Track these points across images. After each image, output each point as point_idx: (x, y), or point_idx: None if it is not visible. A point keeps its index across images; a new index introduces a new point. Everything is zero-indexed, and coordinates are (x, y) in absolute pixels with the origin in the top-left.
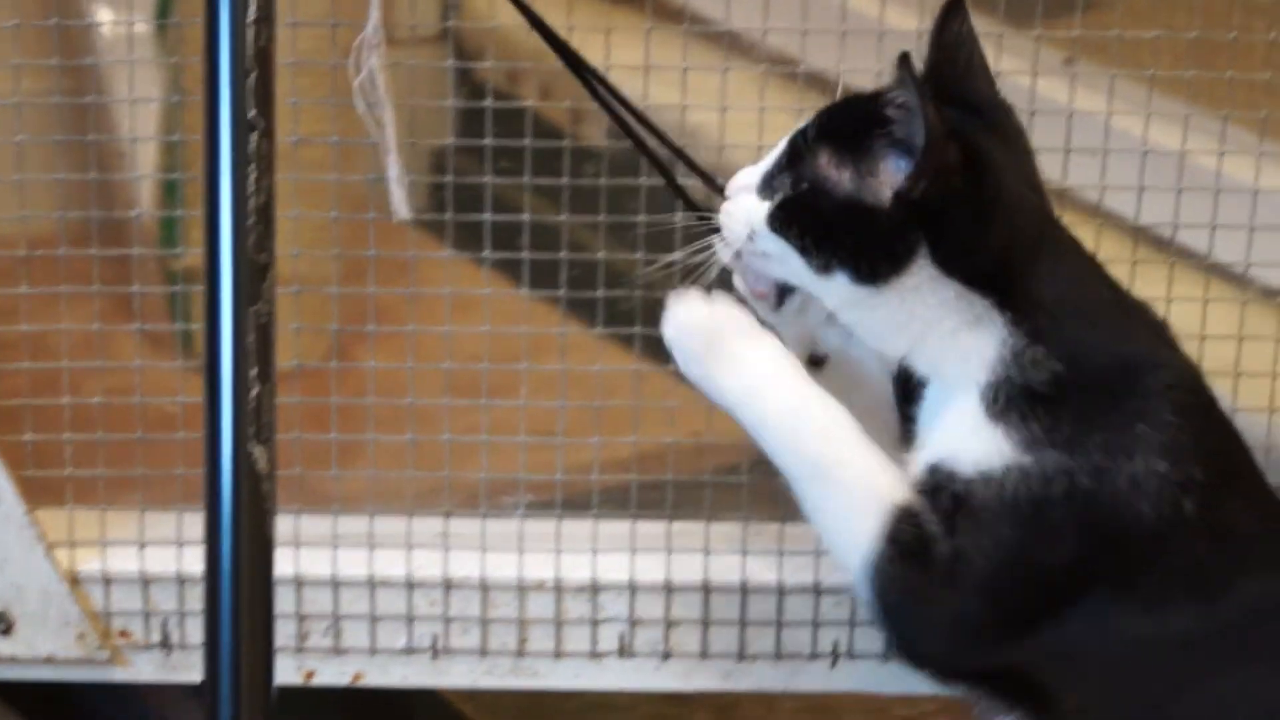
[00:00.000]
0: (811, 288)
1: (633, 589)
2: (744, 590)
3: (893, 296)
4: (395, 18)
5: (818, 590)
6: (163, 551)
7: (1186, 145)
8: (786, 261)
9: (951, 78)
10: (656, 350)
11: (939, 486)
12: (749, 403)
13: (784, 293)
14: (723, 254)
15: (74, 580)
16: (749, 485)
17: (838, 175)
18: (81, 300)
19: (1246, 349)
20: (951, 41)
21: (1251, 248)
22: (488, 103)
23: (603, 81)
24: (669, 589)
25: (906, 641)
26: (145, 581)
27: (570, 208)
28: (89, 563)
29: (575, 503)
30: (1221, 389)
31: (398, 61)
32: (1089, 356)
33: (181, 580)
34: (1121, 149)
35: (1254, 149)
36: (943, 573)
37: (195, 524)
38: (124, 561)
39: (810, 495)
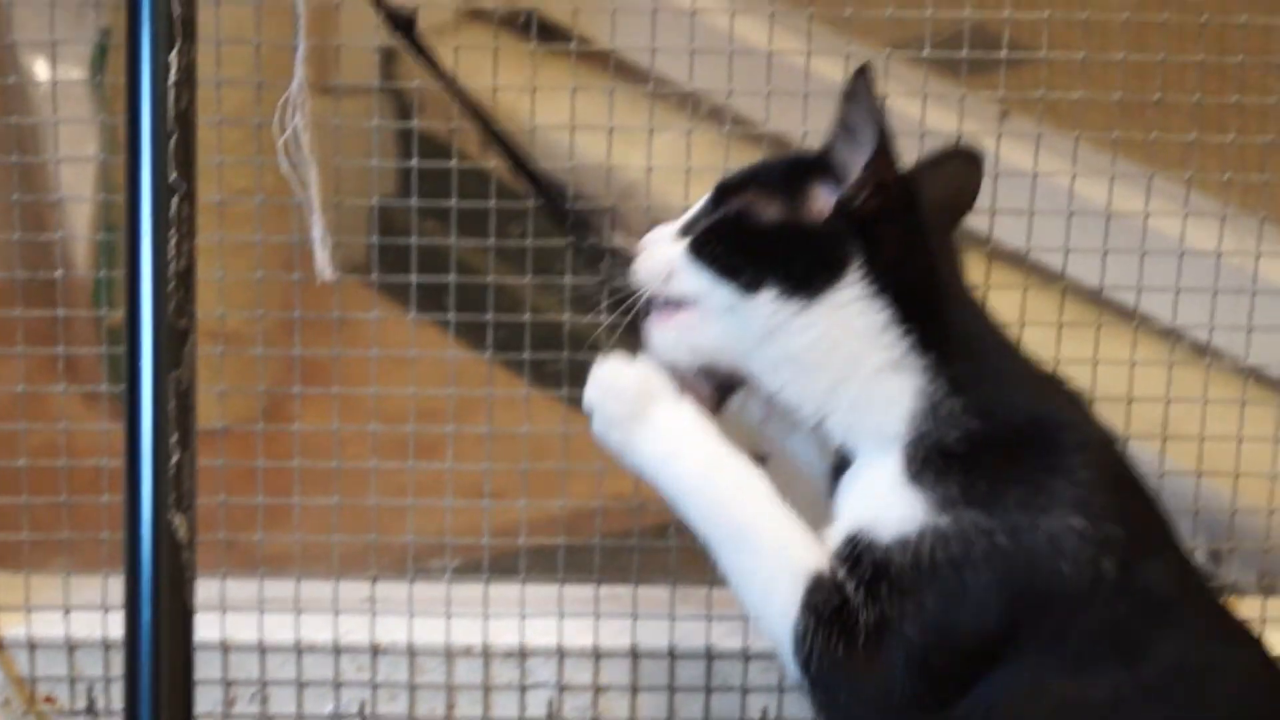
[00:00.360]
0: (733, 324)
1: (561, 654)
2: (672, 655)
3: (820, 318)
4: (330, 71)
5: (746, 655)
6: (88, 616)
7: (1114, 203)
8: (708, 298)
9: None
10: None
11: (859, 555)
12: (667, 468)
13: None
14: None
15: None
16: (677, 548)
17: (766, 205)
18: (7, 360)
19: (1174, 411)
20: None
21: (1179, 307)
22: (413, 162)
23: (484, 119)
24: (597, 654)
25: (833, 712)
26: (70, 647)
27: (498, 267)
28: (13, 628)
29: (503, 565)
30: (1149, 451)
31: (325, 119)
32: (1005, 412)
33: (107, 646)
34: (1050, 209)
35: (1181, 207)
36: (867, 643)
37: (121, 588)
38: (49, 627)
39: (731, 563)
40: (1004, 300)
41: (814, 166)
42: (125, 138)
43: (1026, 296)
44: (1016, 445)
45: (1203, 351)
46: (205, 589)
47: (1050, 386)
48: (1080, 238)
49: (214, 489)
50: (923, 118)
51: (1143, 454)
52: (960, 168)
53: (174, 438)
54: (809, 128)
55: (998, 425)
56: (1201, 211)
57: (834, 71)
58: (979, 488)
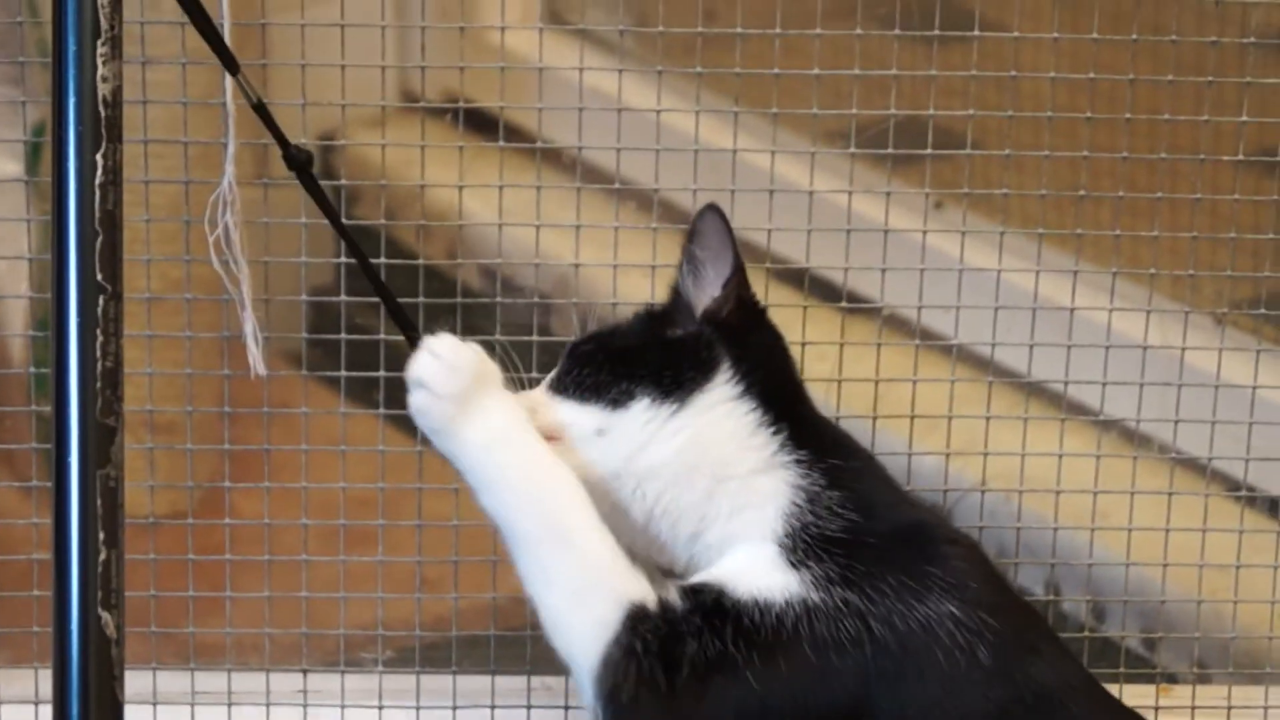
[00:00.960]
0: (604, 445)
1: None
2: None
3: (692, 419)
4: (262, 167)
5: None
6: (19, 710)
7: (1041, 290)
8: (575, 424)
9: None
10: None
11: (705, 598)
12: (491, 454)
13: None
14: None
15: None
16: None
17: (626, 335)
18: None
19: (1102, 501)
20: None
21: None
22: (341, 259)
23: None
24: None
25: None
26: None
27: None
28: None
29: (435, 657)
30: (1079, 539)
31: (256, 215)
32: (881, 508)
33: None
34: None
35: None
36: (691, 680)
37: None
38: None
39: (540, 560)
40: (934, 390)
41: (665, 311)
42: (52, 238)
43: (954, 388)
44: (894, 538)
45: (1130, 441)
46: (137, 681)
47: (908, 495)
48: (1009, 329)
49: (145, 582)
50: (849, 209)
51: (1072, 542)
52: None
53: (102, 535)
54: (734, 224)
55: (876, 519)
56: (1129, 303)
57: (763, 162)
58: (857, 571)
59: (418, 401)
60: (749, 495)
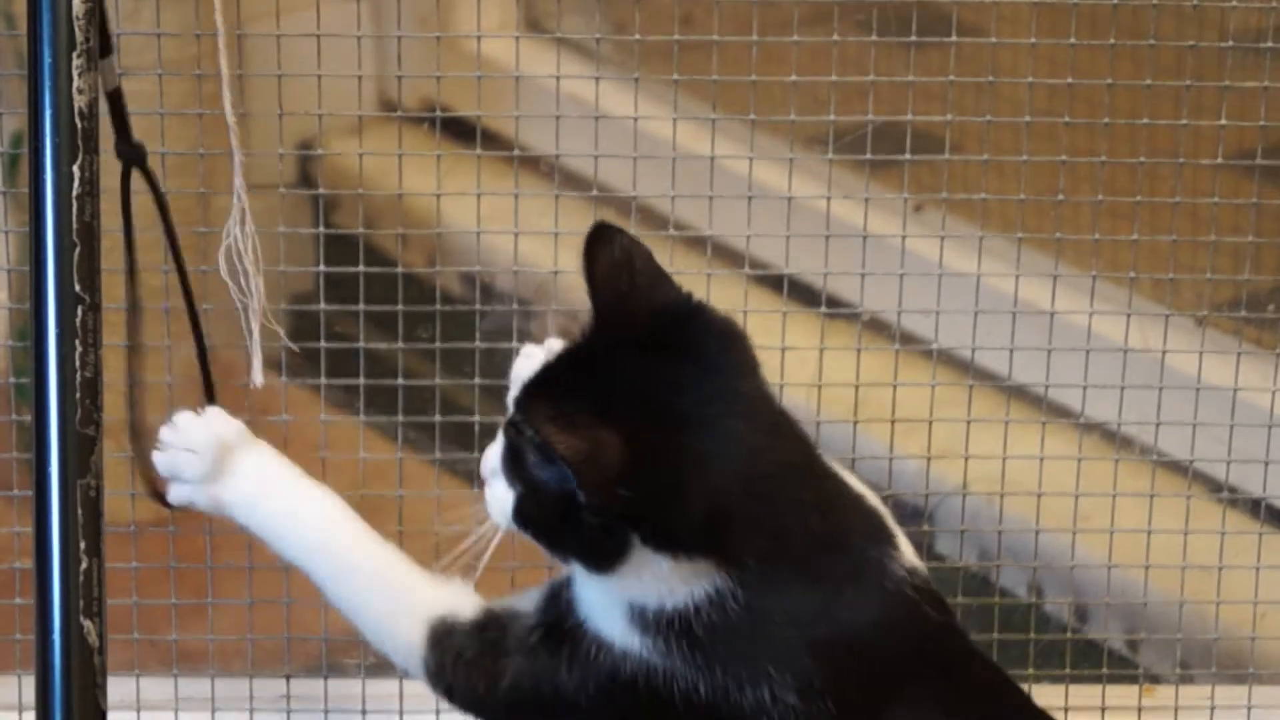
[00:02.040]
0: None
1: None
2: None
3: (629, 578)
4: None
5: None
6: (3, 717)
7: (1021, 293)
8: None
9: (622, 304)
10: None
11: (560, 613)
12: (257, 512)
13: None
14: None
15: None
16: None
17: (546, 474)
18: None
19: (1084, 504)
20: (608, 270)
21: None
22: (320, 269)
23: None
24: None
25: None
26: None
27: (413, 366)
28: None
29: None
30: (1061, 542)
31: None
32: (765, 607)
33: None
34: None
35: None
36: (514, 683)
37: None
38: None
39: (340, 597)
40: (914, 394)
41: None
42: (30, 249)
43: (935, 392)
44: (752, 638)
45: (1112, 443)
46: (121, 687)
47: (846, 560)
48: (989, 333)
49: (127, 589)
50: (828, 214)
51: (1054, 544)
52: (699, 321)
53: (83, 545)
54: (713, 230)
55: (749, 621)
56: (1110, 306)
57: (741, 168)
58: (697, 657)
59: (176, 495)
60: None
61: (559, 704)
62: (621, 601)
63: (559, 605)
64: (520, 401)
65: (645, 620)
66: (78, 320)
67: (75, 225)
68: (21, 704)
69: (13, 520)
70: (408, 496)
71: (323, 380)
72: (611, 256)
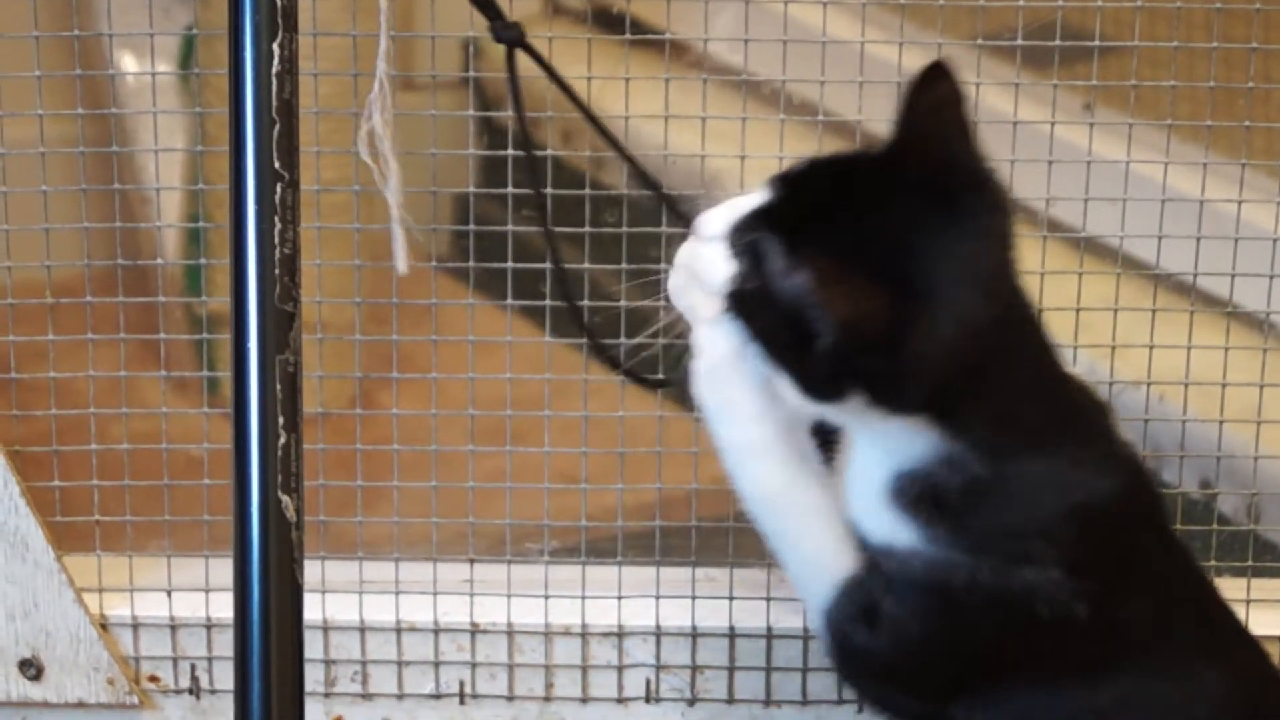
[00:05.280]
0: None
1: (658, 635)
2: (769, 636)
3: (835, 411)
4: (416, 64)
5: None
6: (190, 597)
7: (1206, 193)
8: (745, 347)
9: (925, 146)
10: (679, 396)
11: (874, 558)
12: (739, 455)
13: None
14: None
15: (103, 626)
16: None
17: (786, 283)
18: (107, 347)
19: (1267, 395)
20: (929, 106)
21: (1272, 295)
22: (507, 152)
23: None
24: (695, 634)
25: (863, 692)
26: (173, 627)
27: (592, 254)
28: (117, 608)
29: (599, 549)
30: (1243, 435)
31: (412, 111)
32: (1010, 473)
33: (209, 626)
34: (1142, 197)
35: (1273, 195)
36: (880, 638)
37: (222, 570)
38: (152, 607)
39: (779, 553)
40: (1099, 286)
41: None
42: (230, 128)
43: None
44: (1008, 507)
45: (1260, 331)
46: (307, 571)
47: (1074, 425)
48: (1172, 225)
49: (313, 473)
50: (1015, 109)
51: (1201, 430)
52: (979, 191)
53: (281, 420)
54: (864, 113)
55: (999, 487)
56: (1259, 194)
57: (890, 54)
58: (964, 538)
59: (698, 390)
60: (885, 435)
61: (910, 638)
62: (884, 473)
63: (868, 545)
64: (783, 204)
65: (905, 494)
66: (277, 197)
67: (275, 103)
68: (208, 584)
69: (188, 403)
70: (591, 384)
71: (510, 265)
72: (934, 96)
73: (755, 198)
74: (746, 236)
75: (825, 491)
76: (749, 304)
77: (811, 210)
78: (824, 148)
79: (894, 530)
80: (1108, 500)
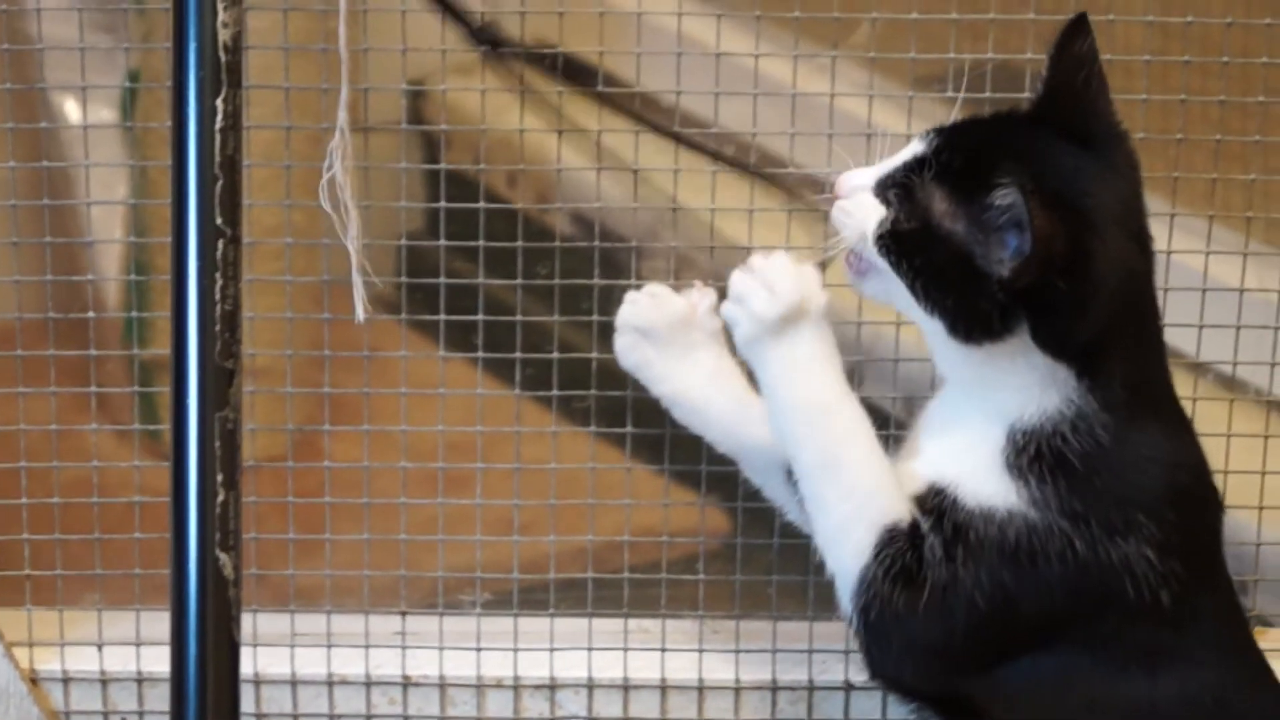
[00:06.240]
0: (908, 312)
1: (590, 687)
2: (701, 688)
3: (985, 354)
4: (359, 112)
5: (774, 687)
6: (121, 651)
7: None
8: (890, 280)
9: (1069, 99)
10: (611, 446)
11: (941, 511)
12: (784, 385)
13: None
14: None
15: (33, 680)
16: (705, 582)
17: (951, 226)
18: (40, 399)
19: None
20: (1072, 62)
21: (1202, 341)
22: (441, 204)
23: None
24: (626, 686)
25: (879, 660)
26: (104, 681)
27: (526, 302)
28: (48, 662)
29: (532, 599)
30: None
31: (367, 164)
32: (1132, 439)
33: (140, 680)
34: None
35: (1202, 244)
36: (930, 600)
37: (154, 623)
38: (83, 661)
39: (816, 489)
40: None
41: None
42: (172, 182)
43: None
44: (1125, 475)
45: (1227, 385)
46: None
47: (1174, 409)
48: None
49: (245, 525)
50: None
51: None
52: (1118, 147)
53: (220, 477)
54: (832, 166)
55: (1122, 447)
56: (1224, 246)
57: (859, 108)
58: (1074, 502)
59: (730, 314)
60: (1016, 378)
61: (967, 610)
62: (1000, 431)
63: (941, 497)
64: (948, 161)
65: (1022, 454)
66: (218, 253)
67: (218, 158)
68: (140, 638)
69: (130, 455)
70: (524, 434)
71: (441, 317)
72: (1081, 48)
73: (904, 154)
74: (902, 182)
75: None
76: (907, 244)
77: (975, 158)
78: (757, 195)
79: (1000, 491)
80: (1208, 489)
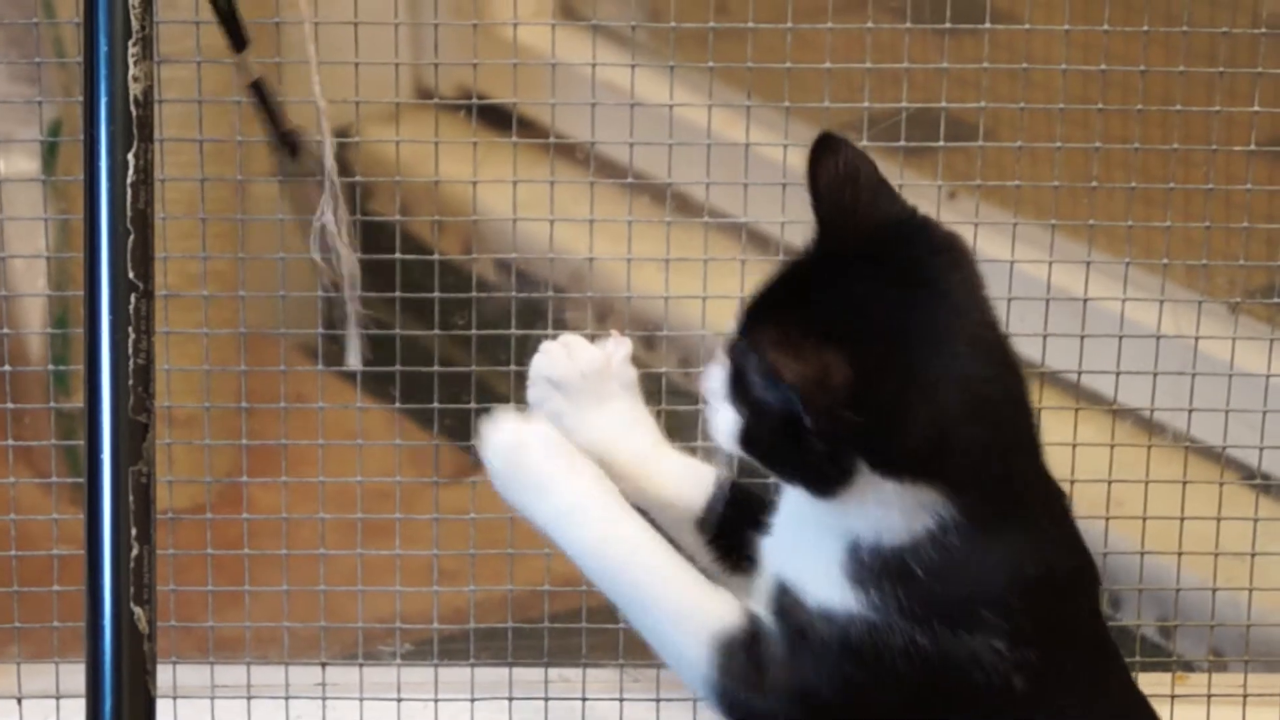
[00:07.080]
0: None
1: None
2: None
3: (853, 505)
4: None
5: None
6: (41, 705)
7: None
8: (724, 423)
9: (845, 220)
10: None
11: (784, 609)
12: (561, 529)
13: None
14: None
15: None
16: (625, 630)
17: (770, 397)
18: None
19: (1116, 490)
20: (833, 180)
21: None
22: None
23: None
24: None
25: None
26: None
27: (449, 352)
28: None
29: (452, 649)
30: (1094, 529)
31: (268, 215)
32: (982, 541)
33: None
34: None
35: (1120, 288)
36: (778, 696)
37: (73, 675)
38: (2, 714)
39: (638, 624)
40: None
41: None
42: (85, 237)
43: None
44: (967, 578)
45: (1145, 428)
46: (157, 675)
47: (1040, 523)
48: (1022, 319)
49: (164, 576)
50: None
51: (1087, 531)
52: (923, 237)
53: (134, 531)
54: (747, 216)
55: (967, 557)
56: (1142, 291)
57: (775, 155)
58: (915, 607)
59: (495, 484)
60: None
61: (817, 701)
62: (839, 544)
63: (786, 597)
64: (743, 323)
65: (862, 567)
66: (131, 308)
67: (130, 213)
68: (59, 691)
69: (50, 507)
70: (443, 484)
71: (359, 368)
72: (836, 168)
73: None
74: (735, 375)
75: (668, 547)
76: (756, 439)
77: (764, 313)
78: (711, 248)
79: (838, 595)
80: (1063, 577)
